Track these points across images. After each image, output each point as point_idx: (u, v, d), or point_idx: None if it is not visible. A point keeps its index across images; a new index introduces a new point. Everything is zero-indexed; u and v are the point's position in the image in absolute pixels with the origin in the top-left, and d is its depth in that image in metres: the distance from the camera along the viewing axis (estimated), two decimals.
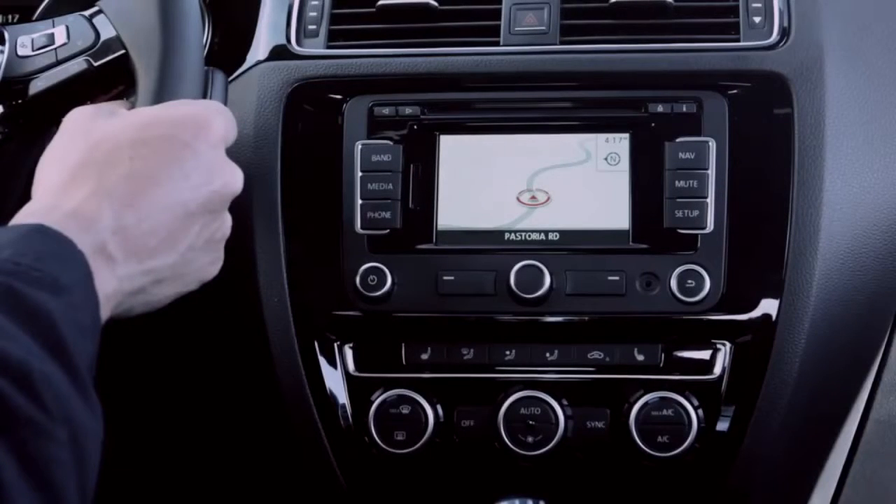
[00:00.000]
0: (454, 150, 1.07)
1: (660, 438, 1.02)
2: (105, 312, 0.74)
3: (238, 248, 0.94)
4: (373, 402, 1.05)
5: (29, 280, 0.65)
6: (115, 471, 0.88)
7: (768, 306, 1.02)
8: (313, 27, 1.13)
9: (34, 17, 1.10)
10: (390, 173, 1.06)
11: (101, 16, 0.97)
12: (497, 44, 1.10)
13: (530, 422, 1.03)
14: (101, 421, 0.66)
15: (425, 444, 1.04)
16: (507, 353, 1.06)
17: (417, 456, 1.05)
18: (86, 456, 0.62)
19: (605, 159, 1.05)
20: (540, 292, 1.02)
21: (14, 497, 0.56)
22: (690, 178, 1.03)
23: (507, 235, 1.05)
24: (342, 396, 1.07)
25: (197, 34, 0.92)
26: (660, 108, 1.06)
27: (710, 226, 1.03)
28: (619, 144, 1.06)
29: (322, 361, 1.07)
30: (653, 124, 1.05)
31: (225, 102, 0.95)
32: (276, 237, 1.07)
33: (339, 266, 1.06)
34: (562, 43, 1.10)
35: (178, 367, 1.20)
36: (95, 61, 0.96)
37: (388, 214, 1.06)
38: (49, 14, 1.07)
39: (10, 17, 1.19)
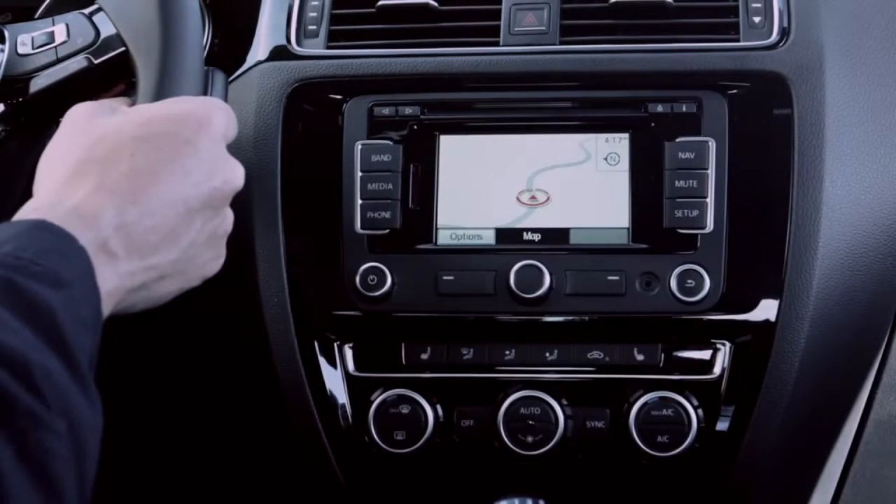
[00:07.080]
0: (454, 150, 1.07)
1: (660, 438, 1.02)
2: (107, 309, 0.74)
3: (238, 247, 0.94)
4: (373, 402, 1.05)
5: (30, 274, 0.65)
6: (115, 469, 0.88)
7: (768, 306, 1.02)
8: (313, 27, 1.13)
9: (35, 16, 1.09)
10: (390, 173, 1.06)
11: (101, 13, 0.98)
12: (497, 44, 1.10)
13: (530, 422, 1.03)
14: (100, 414, 0.66)
15: (425, 444, 1.04)
16: (507, 352, 1.06)
17: (417, 456, 1.04)
18: (85, 448, 0.62)
19: (605, 159, 1.06)
20: (540, 292, 1.02)
21: (12, 487, 0.56)
22: (690, 178, 1.03)
23: (506, 235, 1.05)
24: (342, 396, 1.07)
25: (197, 31, 0.92)
26: (660, 108, 1.06)
27: (709, 226, 1.03)
28: (618, 144, 1.06)
29: (322, 361, 1.07)
30: (653, 124, 1.05)
31: (225, 102, 0.95)
32: (276, 237, 1.07)
33: (339, 266, 1.06)
34: (562, 43, 1.10)
35: (178, 365, 1.20)
36: (96, 59, 0.97)
37: (388, 214, 1.06)
38: (49, 12, 1.07)
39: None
